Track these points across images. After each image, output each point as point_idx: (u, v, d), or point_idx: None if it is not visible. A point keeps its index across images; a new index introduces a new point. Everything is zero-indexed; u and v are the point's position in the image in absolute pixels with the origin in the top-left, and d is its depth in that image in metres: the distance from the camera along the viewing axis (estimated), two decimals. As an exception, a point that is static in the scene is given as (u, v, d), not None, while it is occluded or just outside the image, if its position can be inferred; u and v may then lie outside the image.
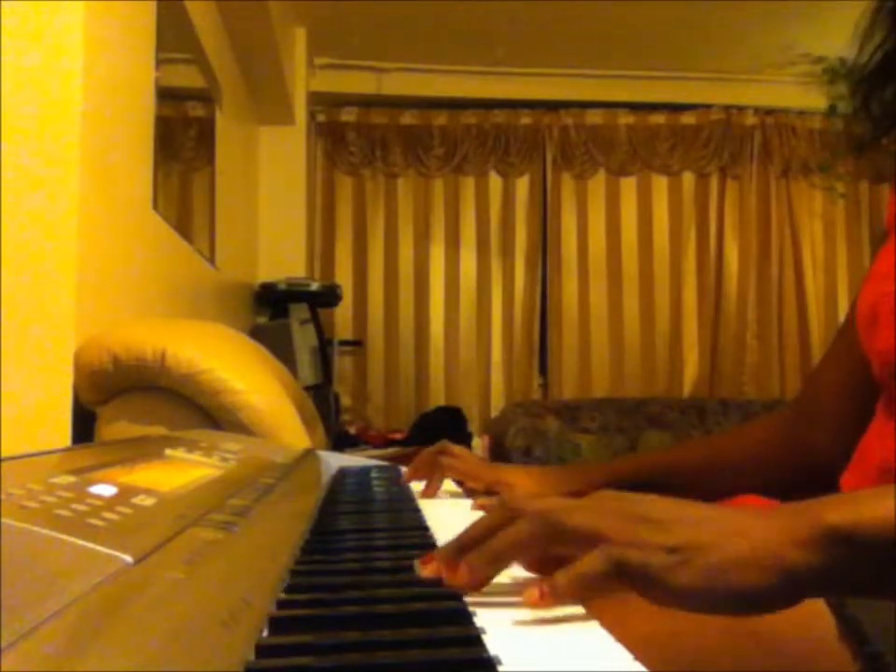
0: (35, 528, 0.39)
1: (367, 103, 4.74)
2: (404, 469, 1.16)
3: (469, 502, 0.95)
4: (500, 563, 0.50)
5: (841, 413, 0.91)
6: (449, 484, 1.06)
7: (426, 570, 0.50)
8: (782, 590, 0.47)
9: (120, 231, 1.91)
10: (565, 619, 0.46)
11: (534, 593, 0.46)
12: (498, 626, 0.42)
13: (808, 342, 4.84)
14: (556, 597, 0.46)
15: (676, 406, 4.56)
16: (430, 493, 1.01)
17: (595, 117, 4.86)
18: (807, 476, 0.92)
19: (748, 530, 0.48)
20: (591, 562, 0.47)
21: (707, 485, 0.96)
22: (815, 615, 0.63)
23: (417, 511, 0.83)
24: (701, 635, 0.64)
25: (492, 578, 0.50)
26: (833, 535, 0.47)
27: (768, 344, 4.86)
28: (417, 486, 1.05)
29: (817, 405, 0.95)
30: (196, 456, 0.81)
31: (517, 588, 0.49)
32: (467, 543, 0.51)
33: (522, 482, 1.00)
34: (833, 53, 4.29)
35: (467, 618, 0.43)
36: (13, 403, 1.47)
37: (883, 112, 0.84)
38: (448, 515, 0.83)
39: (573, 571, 0.47)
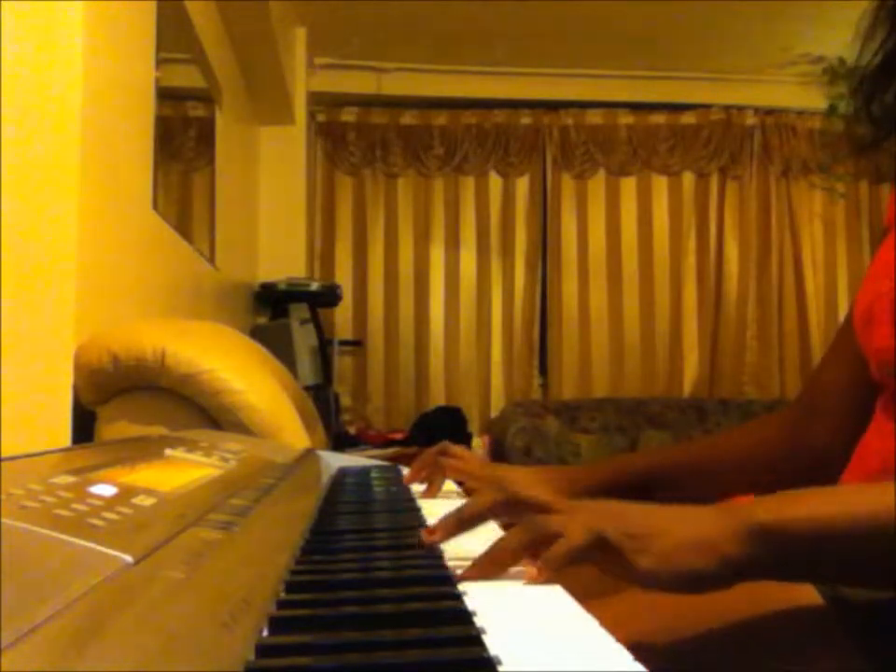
0: (35, 528, 0.39)
1: (367, 103, 4.74)
2: (404, 470, 1.16)
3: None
4: (501, 568, 0.57)
5: (841, 412, 0.91)
6: (450, 485, 1.06)
7: (434, 538, 0.60)
8: (718, 572, 0.57)
9: (120, 231, 1.91)
10: (565, 617, 0.46)
11: (532, 571, 0.55)
12: (498, 625, 0.42)
13: (808, 342, 4.84)
14: (551, 569, 0.55)
15: (676, 406, 4.56)
16: (432, 493, 1.01)
17: (594, 117, 4.86)
18: (808, 475, 0.92)
19: (692, 523, 0.59)
20: (573, 538, 0.56)
21: (707, 485, 0.96)
22: (816, 615, 0.63)
23: (417, 510, 0.83)
24: (701, 635, 0.64)
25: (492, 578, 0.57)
26: (759, 529, 0.57)
27: (768, 344, 4.86)
28: (418, 486, 1.05)
29: (817, 404, 0.95)
30: (196, 456, 0.81)
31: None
32: (468, 517, 0.62)
33: (523, 482, 1.00)
34: (833, 53, 4.29)
35: (467, 618, 0.43)
36: (13, 403, 1.46)
37: (884, 114, 0.84)
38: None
39: (560, 546, 0.56)
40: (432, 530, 0.61)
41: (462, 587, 0.51)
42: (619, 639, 0.41)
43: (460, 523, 0.62)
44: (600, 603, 0.61)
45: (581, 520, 0.57)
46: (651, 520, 0.59)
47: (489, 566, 0.57)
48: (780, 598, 0.65)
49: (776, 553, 0.57)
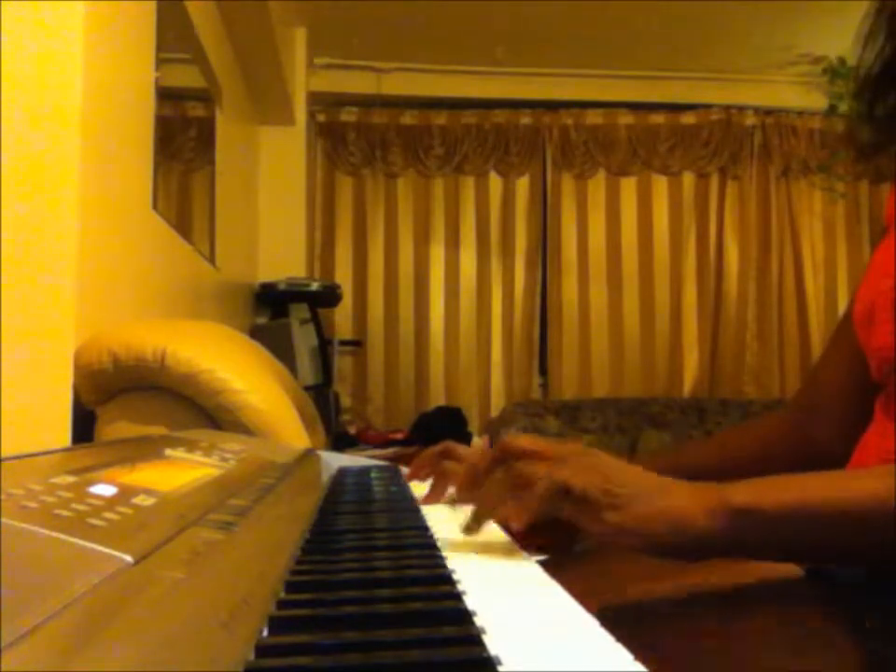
0: (35, 528, 0.39)
1: (367, 103, 4.75)
2: (405, 470, 1.15)
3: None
4: (490, 509, 0.65)
5: (841, 409, 0.91)
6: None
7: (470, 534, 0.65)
8: (684, 544, 0.59)
9: (120, 231, 1.91)
10: (565, 617, 0.46)
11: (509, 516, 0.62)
12: (498, 625, 0.42)
13: (808, 342, 4.84)
14: (524, 515, 0.61)
15: (676, 406, 4.56)
16: (434, 500, 0.98)
17: (595, 117, 4.86)
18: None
19: (670, 493, 0.60)
20: (541, 484, 0.60)
21: None
22: (817, 616, 0.63)
23: (417, 511, 0.83)
24: (702, 635, 0.64)
25: (488, 519, 0.65)
26: (730, 509, 0.58)
27: (768, 344, 4.86)
28: (420, 487, 1.04)
29: (817, 403, 0.95)
30: (196, 456, 0.81)
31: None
32: (474, 476, 0.68)
33: None
34: (833, 53, 4.30)
35: (467, 618, 0.43)
36: (13, 403, 1.46)
37: (888, 117, 0.84)
38: (448, 515, 0.83)
39: (529, 492, 0.61)
40: (469, 527, 0.66)
41: (462, 587, 0.51)
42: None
43: (469, 484, 0.68)
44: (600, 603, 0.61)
45: (556, 471, 0.61)
46: (632, 482, 0.60)
47: (482, 514, 0.64)
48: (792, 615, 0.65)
49: (744, 533, 0.59)
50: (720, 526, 0.58)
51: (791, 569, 0.69)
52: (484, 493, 0.65)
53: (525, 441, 0.66)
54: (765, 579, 0.68)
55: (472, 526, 0.65)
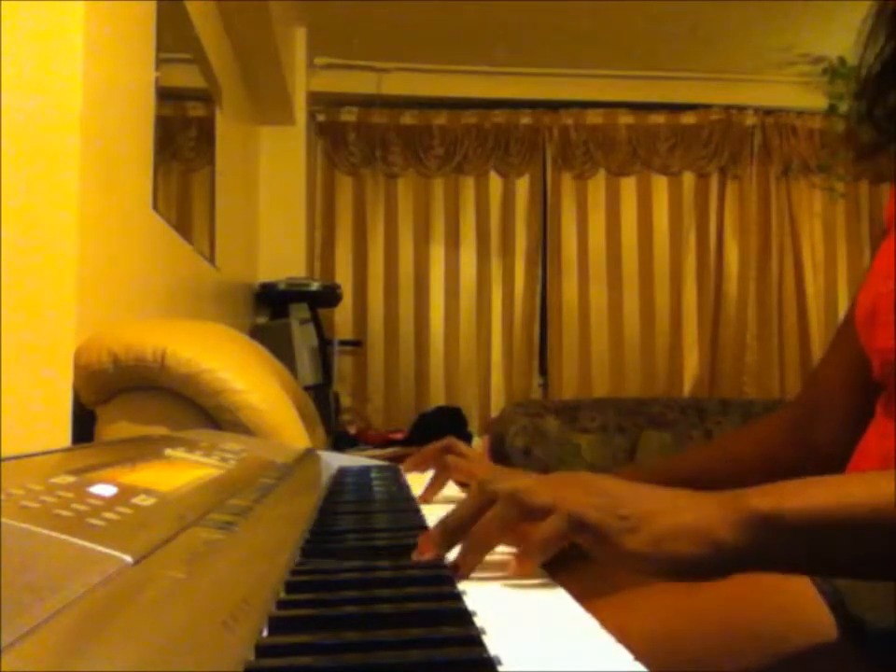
0: (35, 528, 0.39)
1: (367, 103, 4.74)
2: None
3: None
4: (486, 548, 0.57)
5: (842, 410, 0.91)
6: (449, 485, 1.05)
7: (425, 557, 0.58)
8: (711, 561, 0.54)
9: (120, 230, 1.91)
10: (565, 617, 0.46)
11: (514, 565, 0.55)
12: (498, 625, 0.42)
13: (808, 342, 4.84)
14: (532, 560, 0.55)
15: (676, 406, 4.56)
16: (431, 495, 0.99)
17: (595, 117, 4.86)
18: (811, 474, 0.92)
19: (687, 508, 0.56)
20: (553, 522, 0.55)
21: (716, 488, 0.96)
22: (817, 617, 0.63)
23: (417, 511, 0.83)
24: (701, 635, 0.64)
25: (481, 561, 0.57)
26: (757, 518, 0.54)
27: (768, 344, 4.86)
28: (418, 484, 1.04)
29: (818, 403, 0.95)
30: (196, 456, 0.81)
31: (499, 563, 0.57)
32: (453, 526, 0.59)
33: None
34: (833, 53, 4.29)
35: (467, 618, 0.43)
36: (13, 403, 1.46)
37: (887, 117, 0.84)
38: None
39: (538, 534, 0.55)
40: (423, 549, 0.58)
41: (462, 587, 0.51)
42: (619, 639, 0.41)
43: (447, 534, 0.59)
44: (600, 603, 0.61)
45: (565, 498, 0.55)
46: (643, 501, 0.56)
47: (475, 555, 0.56)
48: (787, 608, 0.65)
49: (773, 544, 0.55)
50: (743, 537, 0.54)
51: (821, 627, 0.63)
52: (486, 523, 0.57)
53: (508, 480, 0.59)
54: (799, 640, 0.63)
55: (464, 571, 0.56)
